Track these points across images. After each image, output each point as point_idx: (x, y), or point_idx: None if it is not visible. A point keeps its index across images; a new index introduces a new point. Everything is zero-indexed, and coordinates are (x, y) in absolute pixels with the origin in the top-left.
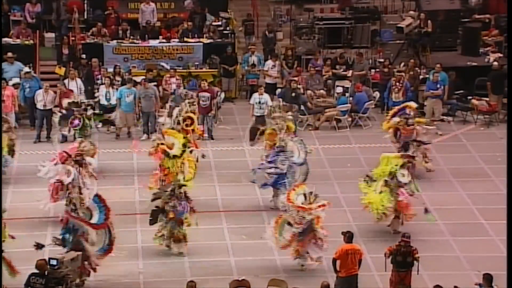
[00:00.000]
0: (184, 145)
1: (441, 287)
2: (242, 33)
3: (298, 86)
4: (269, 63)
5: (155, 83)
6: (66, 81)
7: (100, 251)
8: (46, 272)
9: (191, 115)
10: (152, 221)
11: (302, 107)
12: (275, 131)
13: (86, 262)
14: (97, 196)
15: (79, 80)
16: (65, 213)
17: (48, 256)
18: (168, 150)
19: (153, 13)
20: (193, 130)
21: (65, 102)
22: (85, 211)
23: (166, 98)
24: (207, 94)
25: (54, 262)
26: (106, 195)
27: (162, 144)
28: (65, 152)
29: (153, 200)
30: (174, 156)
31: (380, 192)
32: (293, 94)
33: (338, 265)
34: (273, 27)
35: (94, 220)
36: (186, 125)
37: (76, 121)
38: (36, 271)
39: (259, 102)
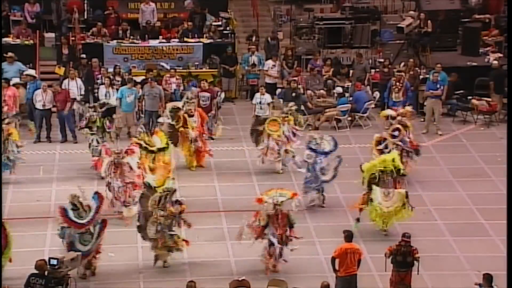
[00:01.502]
0: (160, 149)
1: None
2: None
3: (298, 86)
4: (269, 62)
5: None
6: (66, 81)
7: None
8: (46, 272)
9: (184, 115)
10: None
11: (302, 107)
12: (277, 121)
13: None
14: (97, 193)
15: (79, 80)
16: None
17: (48, 256)
18: (142, 142)
19: (153, 13)
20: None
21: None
22: (87, 209)
23: (166, 98)
24: (207, 94)
25: (54, 262)
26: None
27: (139, 139)
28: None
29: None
30: (145, 148)
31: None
32: (293, 94)
33: (337, 264)
34: (276, 34)
35: (87, 218)
36: (181, 126)
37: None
38: (35, 271)
39: (260, 102)
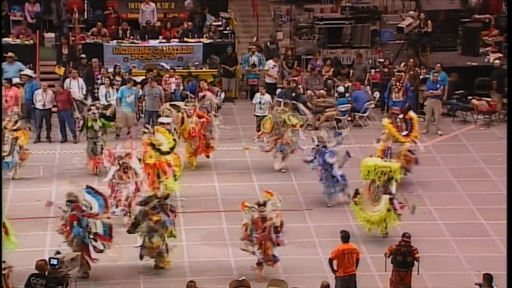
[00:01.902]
0: (171, 148)
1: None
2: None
3: (298, 86)
4: (270, 62)
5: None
6: (68, 80)
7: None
8: (46, 273)
9: (183, 115)
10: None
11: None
12: (270, 119)
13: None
14: (89, 188)
15: (80, 80)
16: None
17: (48, 256)
18: (154, 142)
19: (153, 13)
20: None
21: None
22: (86, 203)
23: (166, 98)
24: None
25: (54, 261)
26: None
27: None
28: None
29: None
30: (159, 150)
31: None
32: (293, 94)
33: (335, 265)
34: (275, 38)
35: (94, 210)
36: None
37: (81, 122)
38: (36, 271)
39: (259, 102)
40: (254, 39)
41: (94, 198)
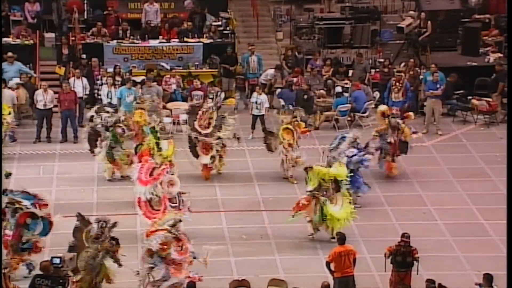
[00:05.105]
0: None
1: (433, 280)
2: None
3: (310, 88)
4: (272, 72)
5: (155, 83)
6: (72, 80)
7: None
8: (50, 273)
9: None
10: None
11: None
12: (290, 129)
13: None
14: (25, 192)
15: (84, 79)
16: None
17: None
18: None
19: (157, 13)
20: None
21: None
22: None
23: (165, 98)
24: (200, 93)
25: (57, 260)
26: (106, 195)
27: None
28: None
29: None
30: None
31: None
32: (305, 96)
33: (333, 267)
34: (302, 48)
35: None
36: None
37: (119, 130)
38: (40, 272)
39: (256, 102)
40: (253, 39)
41: (27, 199)
